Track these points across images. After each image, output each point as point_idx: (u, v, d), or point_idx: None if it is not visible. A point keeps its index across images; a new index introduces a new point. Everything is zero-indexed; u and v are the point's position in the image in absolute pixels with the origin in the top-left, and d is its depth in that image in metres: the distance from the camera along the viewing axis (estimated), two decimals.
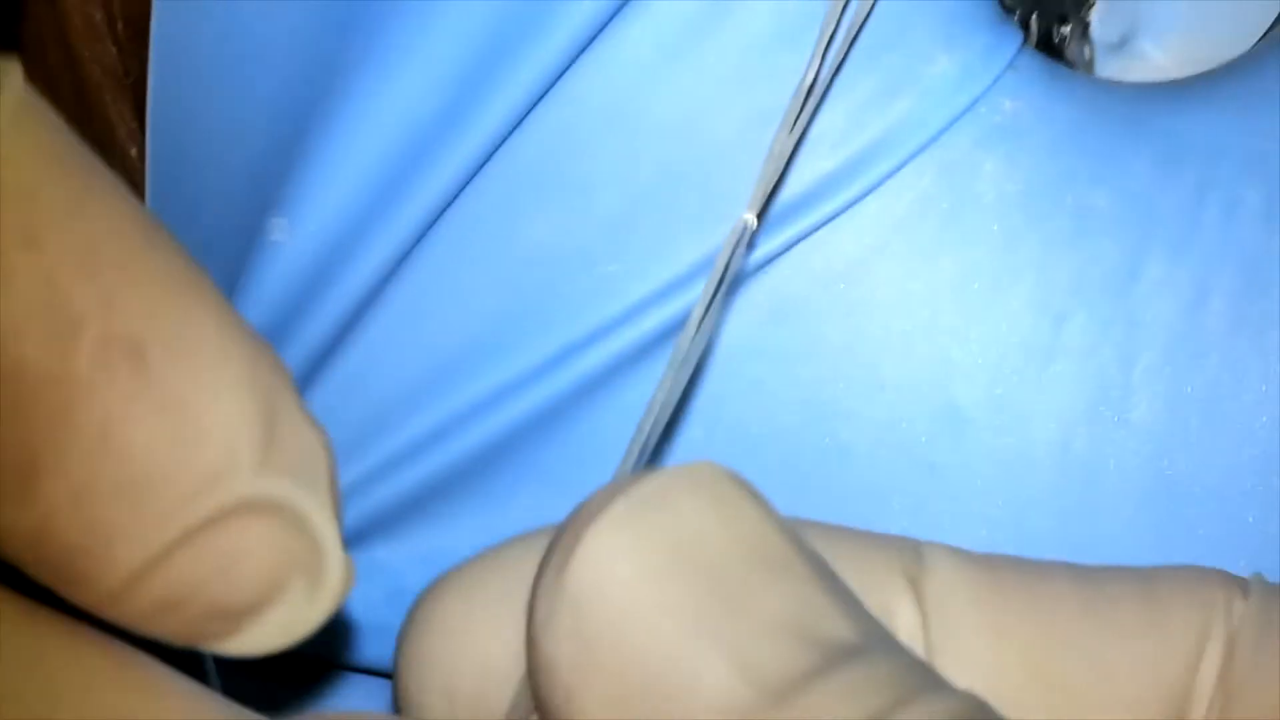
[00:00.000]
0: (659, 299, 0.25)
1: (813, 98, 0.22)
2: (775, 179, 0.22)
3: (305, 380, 0.26)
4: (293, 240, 0.25)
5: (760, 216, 0.22)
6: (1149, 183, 0.25)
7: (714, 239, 0.25)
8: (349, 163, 0.24)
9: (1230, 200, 0.25)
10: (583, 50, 0.24)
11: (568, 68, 0.24)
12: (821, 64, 0.22)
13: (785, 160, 0.22)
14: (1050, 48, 0.31)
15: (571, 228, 0.25)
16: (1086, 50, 0.32)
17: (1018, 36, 0.26)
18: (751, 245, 0.24)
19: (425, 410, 0.26)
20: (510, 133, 0.25)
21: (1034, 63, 0.26)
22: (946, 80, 0.25)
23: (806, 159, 0.25)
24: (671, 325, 0.25)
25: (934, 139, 0.25)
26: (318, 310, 0.25)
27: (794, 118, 0.22)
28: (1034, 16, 0.31)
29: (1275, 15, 0.30)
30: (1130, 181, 0.25)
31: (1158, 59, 0.32)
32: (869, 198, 0.25)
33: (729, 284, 0.21)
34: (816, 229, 0.25)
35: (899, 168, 0.25)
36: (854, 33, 0.24)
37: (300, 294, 0.25)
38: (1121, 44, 0.32)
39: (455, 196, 0.25)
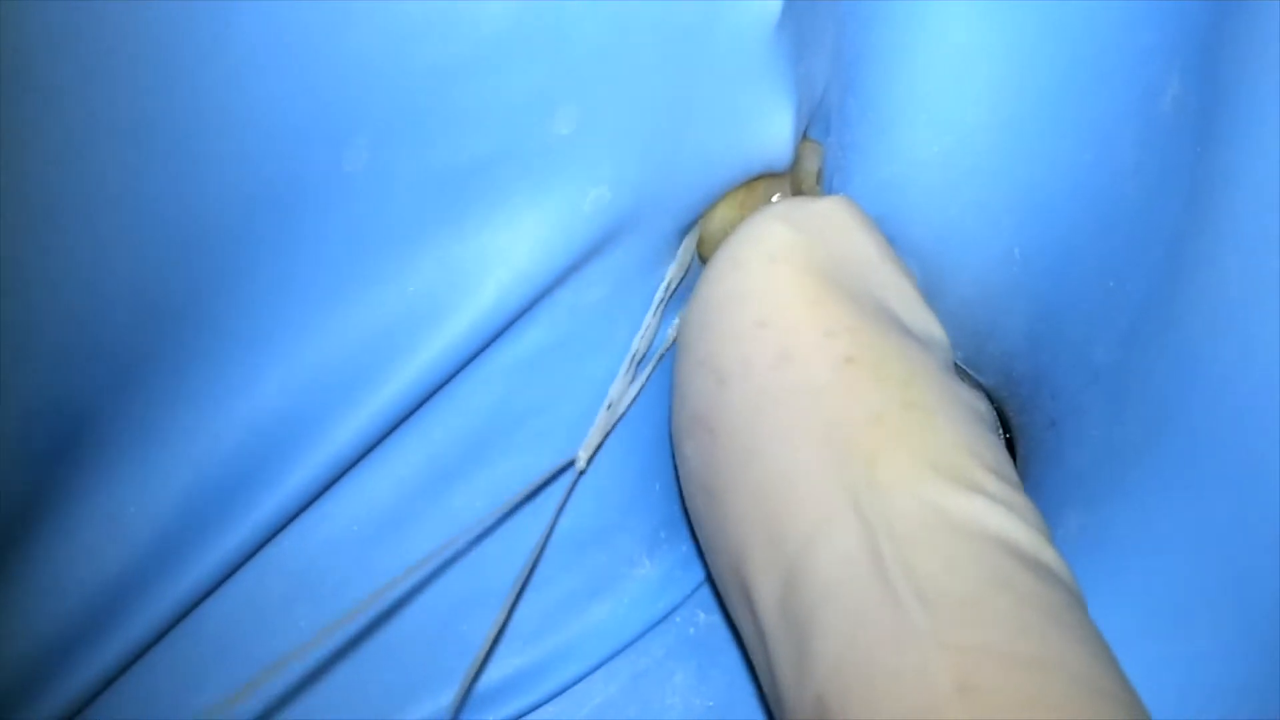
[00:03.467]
0: None
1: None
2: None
3: None
4: None
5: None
6: None
7: None
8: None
9: None
10: (287, 522, 0.24)
11: (269, 538, 0.24)
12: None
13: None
14: None
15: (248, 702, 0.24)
16: None
17: None
18: None
19: None
20: (202, 598, 0.24)
21: None
22: (648, 586, 0.26)
23: (496, 653, 0.25)
24: None
25: (628, 645, 0.25)
26: None
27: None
28: None
29: None
30: None
31: None
32: (551, 702, 0.25)
33: None
34: None
35: (590, 671, 0.25)
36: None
37: None
38: None
39: (132, 662, 0.24)
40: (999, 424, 0.31)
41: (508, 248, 0.22)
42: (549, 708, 0.24)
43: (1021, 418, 0.30)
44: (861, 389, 0.21)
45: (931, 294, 0.30)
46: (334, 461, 0.23)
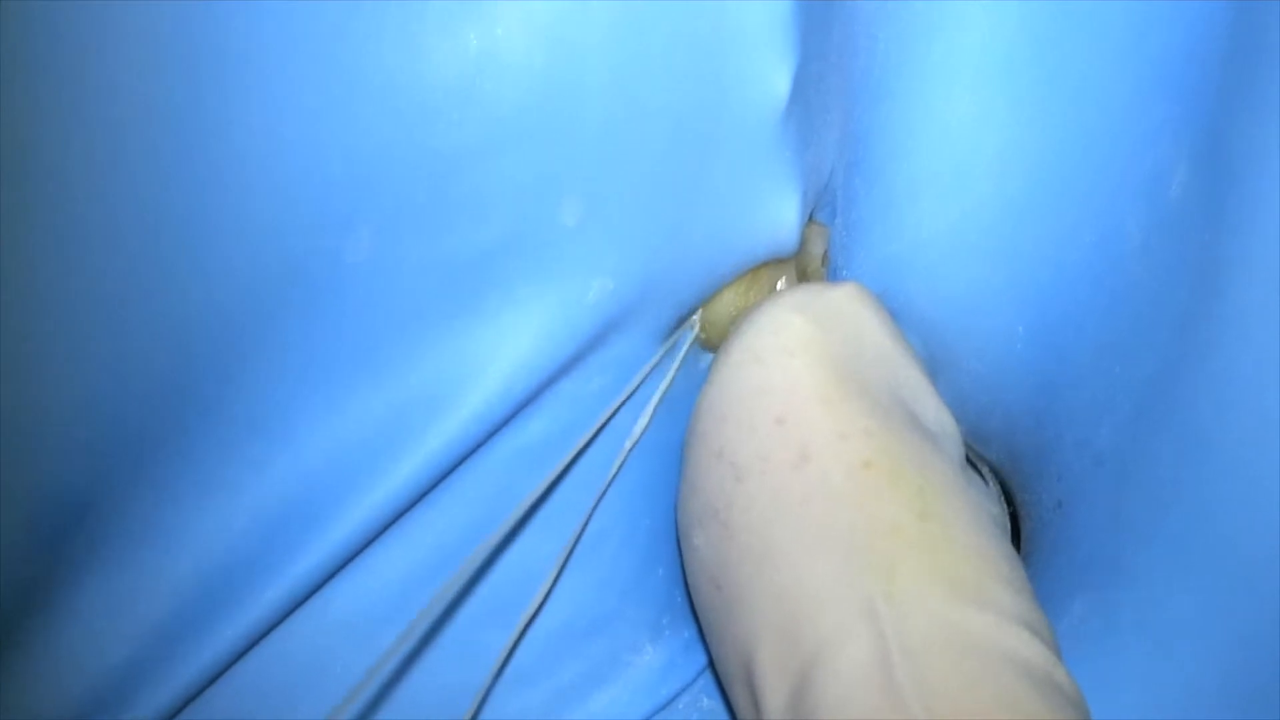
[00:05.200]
0: None
1: None
2: None
3: None
4: None
5: None
6: None
7: None
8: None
9: None
10: (291, 610, 0.24)
11: (274, 625, 0.24)
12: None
13: None
14: None
15: None
16: None
17: None
18: None
19: None
20: (210, 682, 0.24)
21: None
22: (650, 673, 0.25)
23: None
24: None
25: None
26: None
27: None
28: None
29: None
30: None
31: None
32: None
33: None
34: None
35: None
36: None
37: None
38: None
39: None
40: (1005, 504, 0.30)
41: (512, 338, 0.22)
42: None
43: (1025, 495, 0.30)
44: (878, 496, 0.21)
45: (935, 368, 0.30)
46: (338, 550, 0.23)
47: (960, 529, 0.21)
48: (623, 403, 0.24)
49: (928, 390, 0.23)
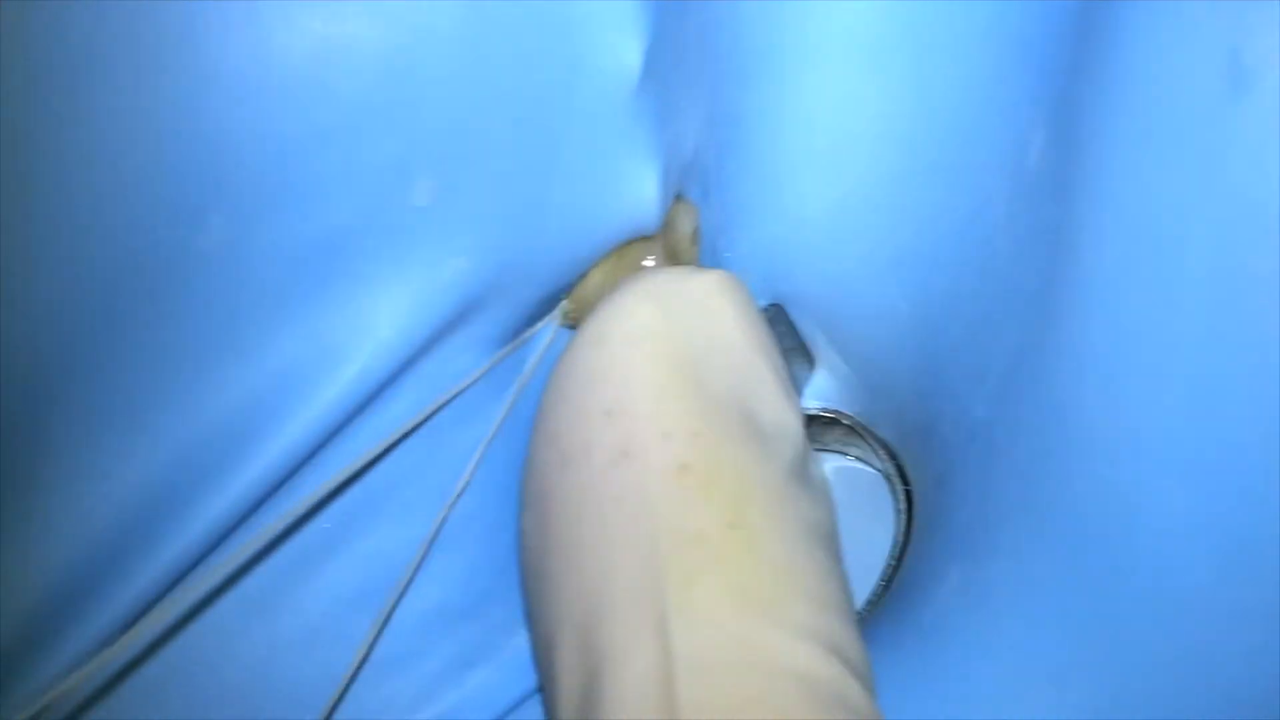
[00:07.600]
0: None
1: None
2: None
3: None
4: None
5: None
6: None
7: None
8: None
9: None
10: (152, 604, 0.24)
11: (134, 620, 0.24)
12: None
13: None
14: None
15: None
16: None
17: None
18: None
19: None
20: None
21: None
22: (523, 655, 0.25)
23: None
24: None
25: (507, 712, 0.25)
26: None
27: None
28: None
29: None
30: None
31: None
32: None
33: None
34: None
35: None
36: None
37: None
38: None
39: None
40: (901, 482, 0.31)
41: (370, 320, 0.22)
42: None
43: (915, 472, 0.30)
44: (689, 503, 0.20)
45: (827, 353, 0.30)
46: (202, 538, 0.23)
47: (770, 541, 0.20)
48: (478, 377, 0.24)
49: (774, 389, 0.23)
